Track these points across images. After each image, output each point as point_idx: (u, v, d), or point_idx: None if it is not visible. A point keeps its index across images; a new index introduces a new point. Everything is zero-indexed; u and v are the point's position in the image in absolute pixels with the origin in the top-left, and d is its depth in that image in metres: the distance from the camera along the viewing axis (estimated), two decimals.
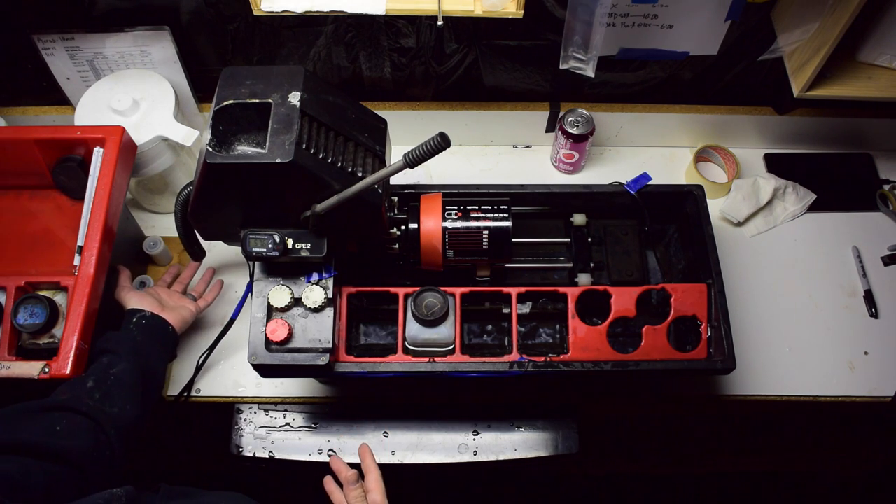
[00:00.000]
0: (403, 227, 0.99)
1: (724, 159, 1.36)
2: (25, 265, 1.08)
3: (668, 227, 1.17)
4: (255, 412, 1.15)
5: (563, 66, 1.11)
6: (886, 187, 1.34)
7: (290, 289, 0.93)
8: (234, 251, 1.21)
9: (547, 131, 1.35)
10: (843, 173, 1.38)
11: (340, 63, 1.22)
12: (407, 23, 1.13)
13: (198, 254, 1.08)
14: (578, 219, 1.13)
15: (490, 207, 1.00)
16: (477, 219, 0.99)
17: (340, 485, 0.89)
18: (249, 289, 0.95)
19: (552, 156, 1.35)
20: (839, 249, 1.29)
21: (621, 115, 1.32)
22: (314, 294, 0.93)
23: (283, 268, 0.95)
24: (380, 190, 0.89)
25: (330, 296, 0.93)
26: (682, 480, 1.87)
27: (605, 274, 1.12)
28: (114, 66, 1.20)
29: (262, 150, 0.82)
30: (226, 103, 0.84)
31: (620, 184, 1.10)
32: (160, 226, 1.29)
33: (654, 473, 1.85)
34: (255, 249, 0.90)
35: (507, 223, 1.00)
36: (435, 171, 1.35)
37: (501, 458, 1.11)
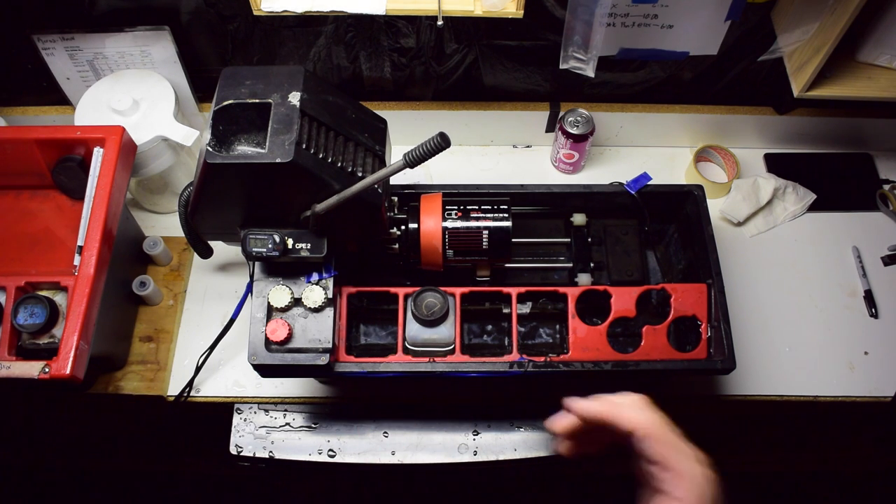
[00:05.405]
0: (403, 227, 0.99)
1: (724, 159, 1.36)
2: (25, 265, 1.08)
3: (668, 227, 1.17)
4: (255, 412, 1.15)
5: (563, 66, 1.12)
6: (886, 187, 1.34)
7: (290, 289, 0.93)
8: (235, 251, 1.21)
9: (547, 131, 1.35)
10: (843, 173, 1.37)
11: (340, 63, 1.22)
12: (407, 23, 1.13)
13: (204, 252, 1.08)
14: (578, 219, 1.13)
15: (490, 207, 1.00)
16: (477, 219, 0.99)
17: None
18: (249, 289, 0.95)
19: (552, 156, 1.35)
20: (839, 249, 1.29)
21: (621, 115, 1.32)
22: (314, 294, 0.93)
23: (283, 268, 0.95)
24: (380, 190, 0.89)
25: (330, 296, 0.93)
26: None
27: (605, 274, 1.12)
28: (114, 66, 1.20)
29: (262, 150, 0.82)
30: (226, 103, 0.84)
31: (620, 184, 1.10)
32: (160, 226, 1.29)
33: None
34: (255, 249, 0.90)
35: (507, 223, 1.00)
36: (435, 171, 1.35)
37: (501, 458, 1.11)
